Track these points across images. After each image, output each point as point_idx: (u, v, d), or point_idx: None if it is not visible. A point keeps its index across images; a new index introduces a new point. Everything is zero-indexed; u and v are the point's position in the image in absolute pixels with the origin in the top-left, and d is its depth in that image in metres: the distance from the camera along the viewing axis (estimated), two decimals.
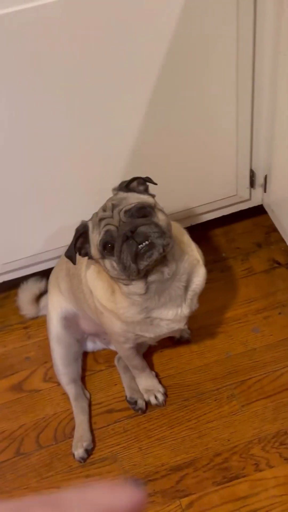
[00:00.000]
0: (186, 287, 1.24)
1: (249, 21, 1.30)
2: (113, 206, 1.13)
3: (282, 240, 1.69)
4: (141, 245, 1.08)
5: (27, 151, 1.36)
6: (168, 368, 1.55)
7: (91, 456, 1.43)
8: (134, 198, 1.15)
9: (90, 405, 1.51)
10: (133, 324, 1.26)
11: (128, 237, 1.09)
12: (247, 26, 1.30)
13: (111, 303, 1.24)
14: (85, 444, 1.42)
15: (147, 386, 1.49)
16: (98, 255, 1.14)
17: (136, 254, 1.09)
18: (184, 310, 1.25)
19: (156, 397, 1.48)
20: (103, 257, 1.13)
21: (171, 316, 1.24)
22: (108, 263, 1.13)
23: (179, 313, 1.25)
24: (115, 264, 1.11)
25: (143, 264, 1.10)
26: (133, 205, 1.12)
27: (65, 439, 1.47)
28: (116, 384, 1.54)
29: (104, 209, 1.15)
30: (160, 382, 1.51)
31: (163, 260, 1.14)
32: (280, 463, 1.37)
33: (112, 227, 1.11)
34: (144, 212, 1.12)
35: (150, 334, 1.29)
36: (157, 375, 1.53)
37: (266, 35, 1.33)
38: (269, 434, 1.41)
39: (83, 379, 1.55)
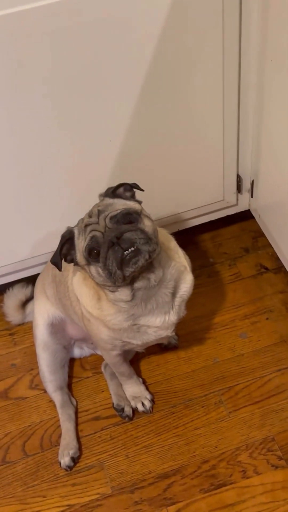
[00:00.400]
0: (174, 294, 1.23)
1: (235, 28, 1.31)
2: (99, 212, 1.12)
3: (269, 245, 1.70)
4: (126, 252, 1.08)
5: (15, 159, 1.36)
6: (155, 375, 1.55)
7: (78, 464, 1.42)
8: (120, 204, 1.15)
9: (76, 412, 1.50)
10: (120, 331, 1.25)
11: (114, 243, 1.08)
12: (233, 33, 1.32)
13: (97, 310, 1.23)
14: (71, 452, 1.41)
15: (134, 393, 1.48)
16: (83, 261, 1.14)
17: (121, 261, 1.08)
18: (172, 317, 1.24)
19: (143, 404, 1.47)
20: (88, 263, 1.12)
21: (159, 323, 1.23)
22: (94, 269, 1.12)
23: (167, 320, 1.24)
24: (100, 271, 1.11)
25: (128, 270, 1.09)
26: (119, 211, 1.12)
27: (51, 447, 1.46)
28: (103, 391, 1.53)
29: (90, 215, 1.14)
30: (147, 388, 1.51)
31: (149, 267, 1.14)
32: (268, 470, 1.36)
33: (97, 233, 1.10)
34: (130, 218, 1.12)
35: (138, 341, 1.28)
36: (144, 382, 1.52)
37: (252, 41, 1.34)
38: (256, 441, 1.41)
39: (69, 386, 1.54)
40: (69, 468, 1.40)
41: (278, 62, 1.27)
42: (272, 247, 1.66)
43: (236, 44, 1.33)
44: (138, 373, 1.53)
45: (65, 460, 1.40)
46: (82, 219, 1.15)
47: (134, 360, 1.55)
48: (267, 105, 1.39)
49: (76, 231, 1.16)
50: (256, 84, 1.40)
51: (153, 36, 1.26)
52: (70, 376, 1.56)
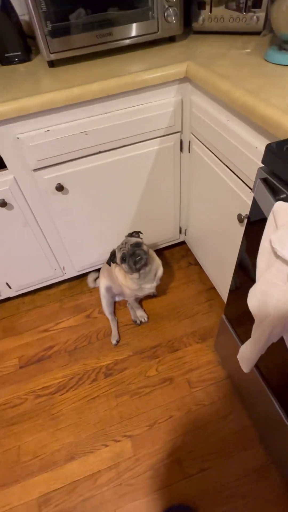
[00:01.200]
0: (155, 275, 1.27)
1: (177, 172, 1.33)
2: (126, 242, 1.17)
3: (193, 254, 1.72)
4: (137, 259, 1.13)
5: (91, 219, 1.35)
6: (149, 306, 1.56)
7: (119, 344, 1.44)
8: (134, 239, 1.19)
9: (118, 323, 1.51)
10: (134, 290, 1.28)
11: (131, 255, 1.14)
12: (176, 174, 1.33)
13: (125, 282, 1.27)
14: (116, 338, 1.43)
15: (140, 314, 1.50)
16: (119, 262, 1.18)
17: (135, 262, 1.14)
18: (154, 284, 1.27)
19: (144, 319, 1.49)
20: (121, 263, 1.17)
21: (149, 287, 1.27)
22: (124, 266, 1.16)
23: (152, 285, 1.27)
24: (126, 266, 1.16)
25: (138, 266, 1.14)
26: (134, 241, 1.17)
27: (107, 336, 1.47)
28: (127, 314, 1.54)
29: (122, 243, 1.19)
30: (145, 312, 1.53)
31: (145, 264, 1.18)
32: (194, 343, 1.40)
33: (125, 251, 1.15)
34: (139, 244, 1.16)
35: (141, 294, 1.31)
36: (144, 310, 1.54)
37: (185, 175, 1.36)
38: (189, 332, 1.44)
39: (114, 312, 1.55)
40: (115, 345, 1.43)
41: (195, 183, 1.31)
42: (193, 255, 1.69)
43: (178, 177, 1.35)
44: (141, 306, 1.55)
45: (113, 341, 1.42)
46: (118, 246, 1.20)
47: (140, 301, 1.57)
48: (191, 199, 1.41)
49: (116, 251, 1.19)
50: (187, 191, 1.42)
51: (143, 177, 1.28)
52: (115, 308, 1.57)
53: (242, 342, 1.01)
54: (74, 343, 1.47)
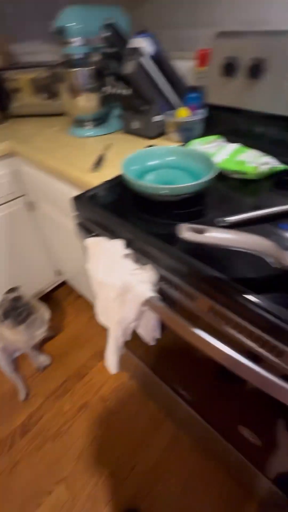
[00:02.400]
0: (42, 320, 1.18)
1: (36, 228, 1.24)
2: (3, 300, 1.07)
3: (76, 290, 1.67)
4: (19, 311, 1.06)
5: None
6: (50, 348, 1.41)
7: (29, 396, 1.24)
8: (11, 295, 1.10)
9: (22, 376, 1.31)
10: (27, 341, 1.17)
11: (12, 309, 1.07)
12: (36, 229, 1.24)
13: (15, 337, 1.13)
14: (23, 392, 1.23)
15: (42, 359, 1.32)
16: (1, 320, 1.07)
17: (18, 314, 1.07)
18: (45, 327, 1.19)
19: (47, 362, 1.33)
20: (5, 319, 1.06)
21: (40, 331, 1.17)
22: (7, 323, 1.07)
23: (43, 329, 1.18)
24: (10, 322, 1.07)
25: (21, 318, 1.07)
26: (12, 297, 1.08)
27: (16, 396, 1.26)
28: (33, 364, 1.35)
29: (0, 302, 1.08)
30: (46, 355, 1.36)
31: (29, 314, 1.12)
32: (97, 363, 1.33)
33: (6, 307, 1.06)
34: (17, 298, 1.08)
35: (35, 341, 1.20)
36: (45, 353, 1.36)
37: (43, 228, 1.26)
38: (91, 354, 1.36)
39: (17, 368, 1.33)
40: (25, 399, 1.22)
41: (50, 231, 1.20)
42: (77, 291, 1.65)
43: (39, 232, 1.28)
44: (42, 351, 1.39)
45: (22, 397, 1.21)
46: None
47: (41, 345, 1.39)
48: (53, 244, 1.30)
49: None
50: (49, 239, 1.29)
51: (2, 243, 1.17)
52: (17, 364, 1.35)
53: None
54: None
